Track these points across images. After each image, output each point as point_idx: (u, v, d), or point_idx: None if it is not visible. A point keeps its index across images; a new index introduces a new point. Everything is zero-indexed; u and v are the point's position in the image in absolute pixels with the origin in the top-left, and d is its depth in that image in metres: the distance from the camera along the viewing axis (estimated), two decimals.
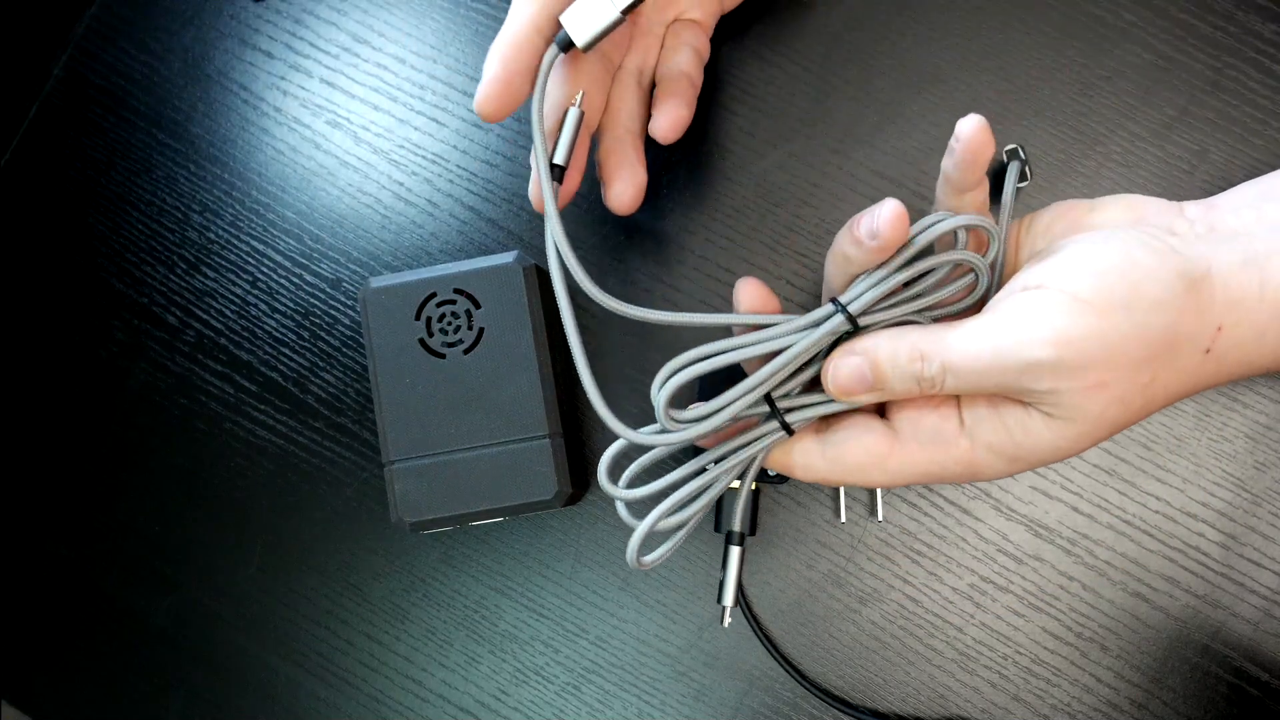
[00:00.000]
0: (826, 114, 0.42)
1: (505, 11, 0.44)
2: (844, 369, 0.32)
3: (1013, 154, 0.38)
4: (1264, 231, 0.31)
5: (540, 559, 0.43)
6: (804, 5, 0.43)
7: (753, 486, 0.40)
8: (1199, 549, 0.40)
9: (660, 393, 0.32)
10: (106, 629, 0.45)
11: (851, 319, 0.32)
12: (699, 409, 0.32)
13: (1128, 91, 0.41)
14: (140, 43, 0.46)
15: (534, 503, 0.38)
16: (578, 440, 0.42)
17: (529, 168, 0.44)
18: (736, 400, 0.32)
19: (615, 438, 0.42)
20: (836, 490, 0.41)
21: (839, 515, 0.41)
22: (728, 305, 0.42)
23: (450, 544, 0.43)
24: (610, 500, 0.42)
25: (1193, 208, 0.34)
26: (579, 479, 0.40)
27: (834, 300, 0.32)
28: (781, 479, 0.40)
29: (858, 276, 0.33)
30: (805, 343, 0.32)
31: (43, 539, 0.45)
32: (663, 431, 0.33)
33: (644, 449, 0.38)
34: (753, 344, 0.32)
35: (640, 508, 0.35)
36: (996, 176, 0.38)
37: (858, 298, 0.32)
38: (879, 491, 0.41)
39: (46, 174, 0.46)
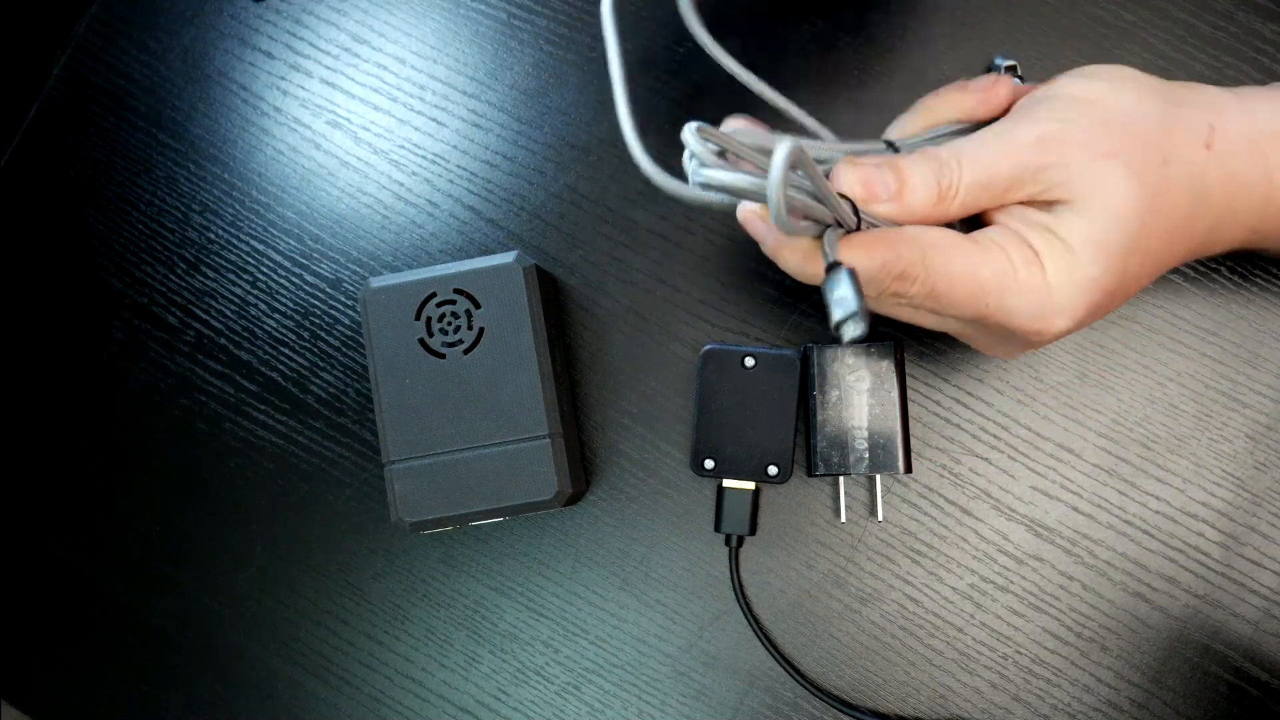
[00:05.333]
0: (826, 114, 0.42)
1: (504, 11, 0.44)
2: (869, 168, 0.31)
3: (1011, 70, 0.40)
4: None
5: (540, 559, 0.43)
6: (803, 6, 0.43)
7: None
8: (1199, 549, 0.40)
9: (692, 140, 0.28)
10: (106, 629, 0.45)
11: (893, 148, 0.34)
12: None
13: None
14: (140, 43, 0.46)
15: (534, 503, 0.38)
16: (578, 440, 0.42)
17: (529, 168, 0.44)
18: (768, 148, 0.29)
19: (612, 438, 0.42)
20: (836, 490, 0.41)
21: (839, 515, 0.41)
22: (728, 305, 0.42)
23: (450, 544, 0.43)
24: (611, 498, 0.42)
25: None
26: (579, 479, 0.40)
27: (887, 141, 0.34)
28: (782, 479, 0.40)
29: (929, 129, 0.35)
30: (845, 147, 0.32)
31: (43, 538, 0.45)
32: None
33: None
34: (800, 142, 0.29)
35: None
36: None
37: (908, 143, 0.34)
38: (879, 492, 0.41)
39: (46, 174, 0.46)
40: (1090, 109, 0.31)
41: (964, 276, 0.30)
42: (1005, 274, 0.30)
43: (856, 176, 0.31)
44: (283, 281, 0.45)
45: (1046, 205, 0.31)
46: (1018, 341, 0.33)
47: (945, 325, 0.34)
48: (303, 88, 0.45)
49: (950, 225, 0.32)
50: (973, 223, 0.33)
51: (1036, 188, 0.31)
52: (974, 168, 0.31)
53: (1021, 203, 0.32)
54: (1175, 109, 0.32)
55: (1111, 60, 0.41)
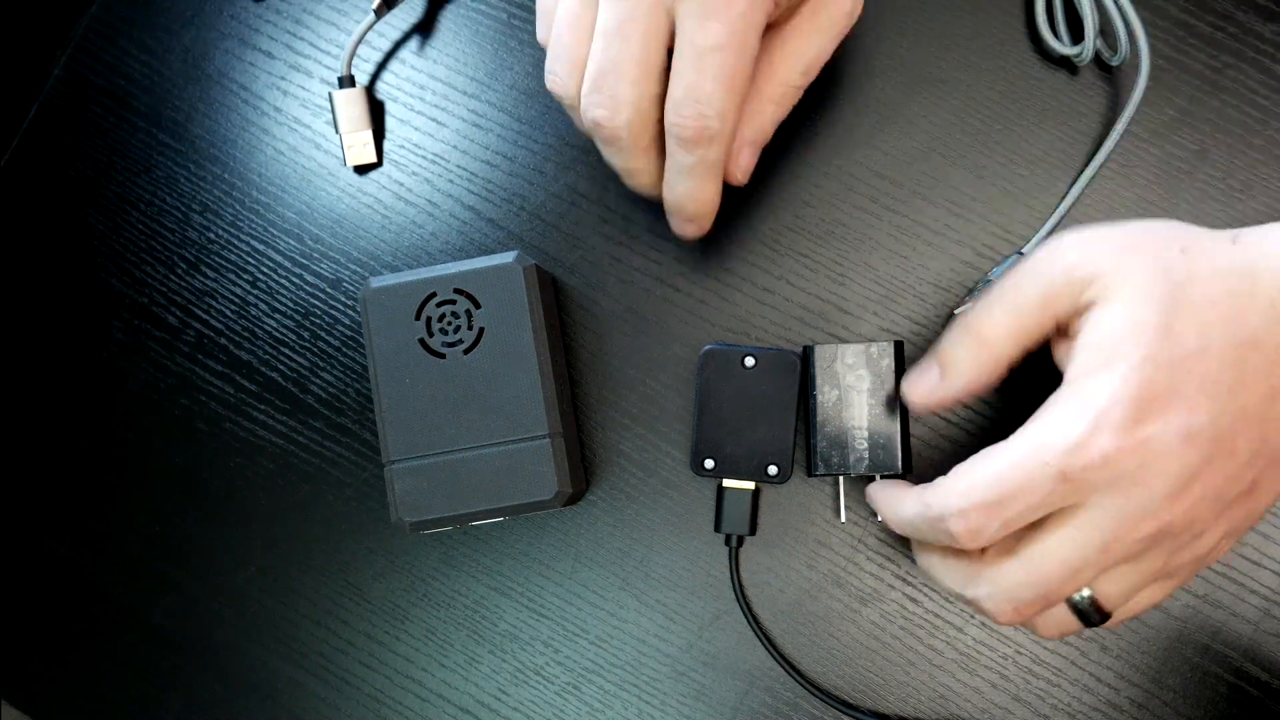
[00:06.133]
0: (826, 114, 0.42)
1: (504, 11, 0.44)
2: (915, 374, 0.35)
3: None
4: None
5: (540, 559, 0.43)
6: None
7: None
8: None
9: None
10: (106, 629, 0.45)
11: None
12: None
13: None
14: (140, 43, 0.46)
15: (534, 503, 0.38)
16: (578, 440, 0.42)
17: (529, 168, 0.44)
18: None
19: (612, 438, 0.42)
20: (836, 490, 0.41)
21: (839, 515, 0.41)
22: (728, 305, 0.42)
23: (450, 544, 0.43)
24: (611, 499, 0.42)
25: None
26: (579, 479, 0.40)
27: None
28: (782, 479, 0.40)
29: None
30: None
31: (42, 538, 0.45)
32: None
33: None
34: None
35: None
36: None
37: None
38: None
39: (46, 174, 0.46)
40: (1099, 229, 0.32)
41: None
42: (1035, 431, 0.30)
43: (908, 390, 0.35)
44: (283, 281, 0.45)
45: (1081, 316, 0.31)
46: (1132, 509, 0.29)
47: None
48: (303, 88, 0.45)
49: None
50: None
51: (1070, 290, 0.31)
52: (1001, 298, 0.32)
53: (1067, 330, 0.32)
54: (1191, 228, 0.31)
55: None
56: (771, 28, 0.34)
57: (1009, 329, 0.32)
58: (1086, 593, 0.31)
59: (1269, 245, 0.31)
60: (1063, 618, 0.32)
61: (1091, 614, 0.32)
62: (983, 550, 0.32)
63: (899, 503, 0.33)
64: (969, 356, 0.33)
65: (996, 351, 0.32)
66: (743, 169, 0.36)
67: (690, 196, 0.35)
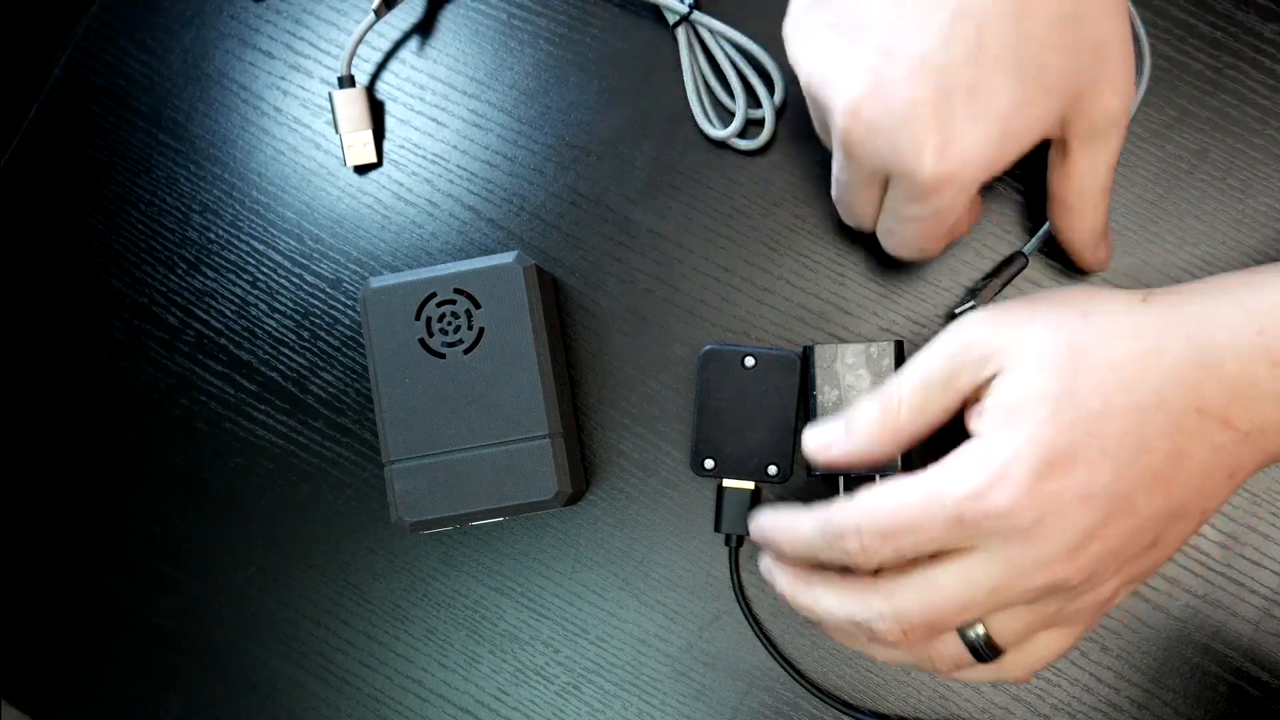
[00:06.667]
0: None
1: (504, 11, 0.44)
2: (819, 426, 0.35)
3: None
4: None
5: (540, 559, 0.43)
6: None
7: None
8: (1199, 549, 0.40)
9: None
10: (106, 629, 0.45)
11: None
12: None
13: None
14: (140, 43, 0.46)
15: (534, 503, 0.38)
16: (578, 440, 0.42)
17: (529, 168, 0.44)
18: None
19: (612, 438, 0.42)
20: (836, 490, 0.41)
21: None
22: (728, 305, 0.42)
23: (450, 544, 0.43)
24: (611, 499, 0.42)
25: None
26: (579, 479, 0.40)
27: None
28: (782, 479, 0.40)
29: None
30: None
31: (42, 538, 0.45)
32: None
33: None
34: None
35: None
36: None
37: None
38: None
39: (46, 174, 0.46)
40: (1005, 303, 0.33)
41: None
42: (935, 473, 0.31)
43: (808, 439, 0.34)
44: (283, 281, 0.45)
45: (989, 386, 0.31)
46: (1013, 553, 0.30)
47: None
48: (303, 88, 0.45)
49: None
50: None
51: (972, 366, 0.31)
52: (908, 372, 0.33)
53: (976, 400, 0.32)
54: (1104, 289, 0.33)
55: None
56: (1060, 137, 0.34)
57: (913, 403, 0.32)
58: (980, 630, 0.32)
59: (1178, 306, 0.31)
60: (956, 652, 0.33)
61: (984, 650, 0.32)
62: (876, 572, 0.33)
63: (796, 520, 0.33)
64: (874, 422, 0.33)
65: (900, 422, 0.33)
66: (1094, 261, 0.38)
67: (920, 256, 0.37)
